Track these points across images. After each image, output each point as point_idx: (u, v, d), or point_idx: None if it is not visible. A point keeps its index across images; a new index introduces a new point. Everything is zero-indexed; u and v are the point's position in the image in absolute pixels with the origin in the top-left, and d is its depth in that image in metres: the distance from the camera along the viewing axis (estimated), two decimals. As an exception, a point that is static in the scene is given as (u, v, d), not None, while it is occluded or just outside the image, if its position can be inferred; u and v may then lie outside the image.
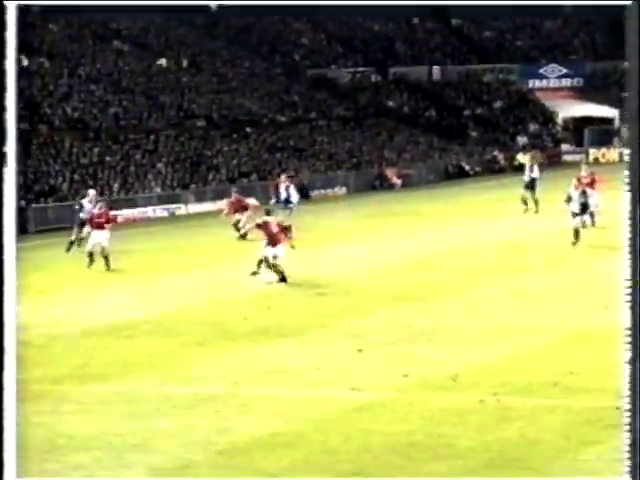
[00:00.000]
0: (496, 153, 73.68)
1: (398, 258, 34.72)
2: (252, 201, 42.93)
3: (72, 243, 37.76)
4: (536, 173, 44.37)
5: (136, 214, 52.08)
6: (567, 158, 74.52)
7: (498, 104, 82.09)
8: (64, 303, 28.16)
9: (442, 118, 79.58)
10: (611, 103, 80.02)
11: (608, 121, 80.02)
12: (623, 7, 7.19)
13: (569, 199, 35.74)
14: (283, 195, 45.34)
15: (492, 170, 71.04)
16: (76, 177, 54.20)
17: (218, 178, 60.10)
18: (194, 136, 64.42)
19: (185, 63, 73.74)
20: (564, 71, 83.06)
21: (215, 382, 19.86)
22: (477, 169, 71.47)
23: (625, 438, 7.09)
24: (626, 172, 37.51)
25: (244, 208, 40.57)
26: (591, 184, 38.96)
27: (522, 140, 77.53)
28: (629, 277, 7.57)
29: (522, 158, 72.85)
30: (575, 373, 19.79)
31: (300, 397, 18.73)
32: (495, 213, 45.67)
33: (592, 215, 36.96)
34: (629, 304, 7.48)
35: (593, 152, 75.59)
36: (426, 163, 70.01)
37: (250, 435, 16.82)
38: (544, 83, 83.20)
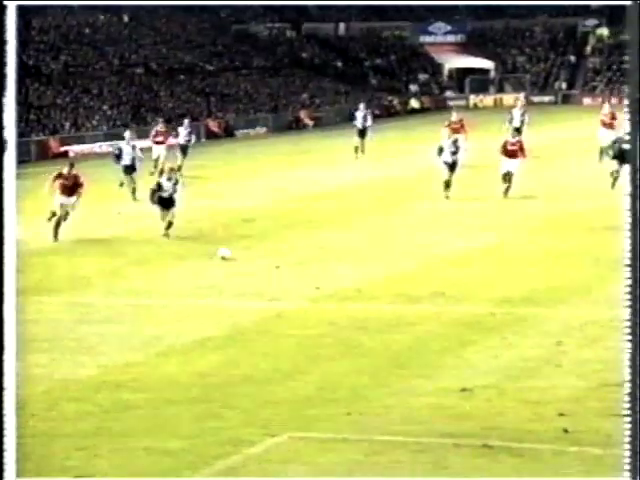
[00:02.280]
0: (392, 98, 73.63)
1: (311, 188, 34.65)
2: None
3: (133, 191, 31.18)
4: (369, 122, 43.32)
5: (85, 149, 51.47)
6: (451, 103, 74.68)
7: (394, 57, 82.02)
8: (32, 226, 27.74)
9: (347, 68, 79.46)
10: (488, 56, 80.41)
11: (485, 72, 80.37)
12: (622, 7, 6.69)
13: (440, 150, 30.43)
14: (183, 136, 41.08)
15: (389, 113, 71.01)
16: (32, 117, 53.34)
17: (156, 119, 59.55)
18: (135, 82, 63.75)
19: (126, 18, 72.68)
20: (449, 28, 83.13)
21: (154, 295, 19.78)
22: (377, 112, 71.42)
23: (625, 438, 6.83)
24: (507, 117, 36.94)
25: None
26: (460, 130, 38.08)
27: (414, 88, 77.61)
28: (629, 278, 6.95)
29: (414, 103, 72.88)
30: (458, 285, 20.02)
31: (227, 307, 18.74)
32: (390, 149, 45.61)
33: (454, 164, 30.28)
34: (629, 303, 6.87)
35: (472, 98, 75.84)
36: (333, 107, 69.82)
37: (185, 339, 16.81)
38: (432, 39, 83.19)
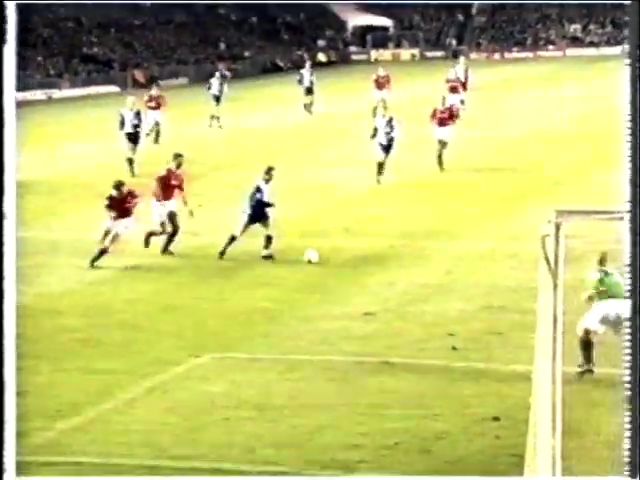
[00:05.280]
0: (302, 52, 73.18)
1: (231, 132, 34.35)
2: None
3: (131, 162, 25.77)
4: (315, 80, 40.64)
5: (19, 97, 50.35)
6: (354, 57, 74.60)
7: (303, 15, 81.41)
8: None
9: (261, 24, 78.63)
10: (387, 15, 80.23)
11: (385, 29, 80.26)
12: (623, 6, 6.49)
13: (375, 132, 24.75)
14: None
15: (299, 66, 70.63)
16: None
17: (87, 69, 58.43)
18: (67, 35, 62.37)
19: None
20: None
21: (87, 230, 19.51)
22: (288, 65, 71.04)
23: (625, 438, 6.74)
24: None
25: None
26: (386, 84, 36.76)
27: (321, 43, 77.22)
28: (629, 278, 6.84)
29: (322, 57, 72.47)
30: (361, 222, 20.11)
31: (152, 240, 18.54)
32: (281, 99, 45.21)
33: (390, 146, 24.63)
34: (630, 308, 6.68)
35: (373, 53, 75.69)
36: (250, 60, 69.18)
37: (115, 269, 16.70)
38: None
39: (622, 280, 11.74)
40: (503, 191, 22.80)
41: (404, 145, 24.74)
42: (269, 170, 18.03)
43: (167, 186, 17.90)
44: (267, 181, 17.86)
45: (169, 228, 17.79)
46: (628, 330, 6.62)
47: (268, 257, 17.21)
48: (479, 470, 9.19)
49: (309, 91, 39.04)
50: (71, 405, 10.95)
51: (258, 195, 17.66)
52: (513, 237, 17.79)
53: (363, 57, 73.60)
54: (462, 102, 35.31)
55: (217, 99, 36.10)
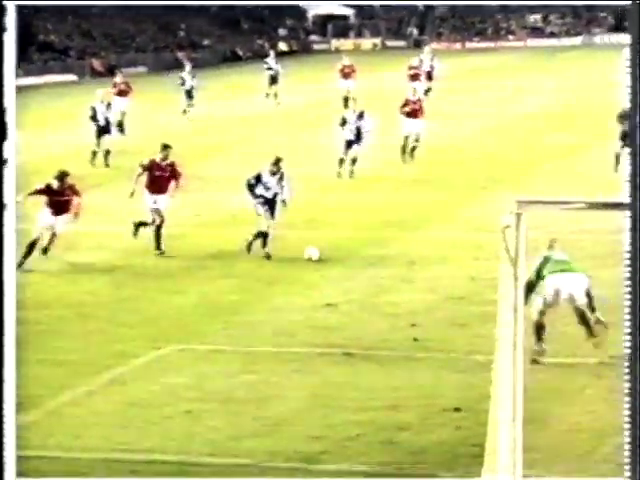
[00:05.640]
0: (262, 42, 72.99)
1: (196, 122, 34.29)
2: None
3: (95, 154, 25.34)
4: (280, 69, 39.23)
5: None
6: (315, 47, 74.57)
7: (263, 3, 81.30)
8: None
9: (221, 12, 78.31)
10: (348, 4, 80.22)
11: (345, 18, 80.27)
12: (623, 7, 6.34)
13: (344, 122, 23.74)
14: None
15: (259, 55, 70.46)
16: None
17: (43, 58, 57.93)
18: (23, 22, 61.83)
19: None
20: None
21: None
22: (248, 54, 70.86)
23: (625, 437, 6.67)
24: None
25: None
26: (351, 74, 36.51)
27: (282, 32, 77.07)
28: (629, 280, 6.67)
29: (283, 46, 72.36)
30: (324, 213, 20.11)
31: (112, 232, 18.47)
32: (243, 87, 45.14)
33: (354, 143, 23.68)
34: (628, 309, 6.59)
35: (334, 42, 75.68)
36: (211, 48, 68.99)
37: (75, 263, 16.64)
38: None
39: (566, 257, 12.11)
40: (466, 182, 22.92)
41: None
42: (277, 162, 16.74)
43: (152, 177, 17.11)
44: (273, 173, 16.65)
45: (157, 220, 17.05)
46: (628, 332, 6.53)
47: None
48: (440, 460, 9.26)
49: (274, 80, 38.73)
50: (29, 398, 10.90)
51: (259, 190, 16.60)
52: (476, 228, 17.89)
53: (324, 46, 73.64)
54: (427, 92, 35.23)
55: (189, 93, 35.42)
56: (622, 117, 21.75)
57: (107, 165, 25.07)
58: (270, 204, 16.77)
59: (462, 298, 14.36)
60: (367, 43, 74.37)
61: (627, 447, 6.47)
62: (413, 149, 25.26)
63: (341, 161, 23.59)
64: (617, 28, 67.92)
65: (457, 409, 10.35)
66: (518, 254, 8.43)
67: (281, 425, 10.19)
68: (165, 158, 17.23)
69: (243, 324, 13.46)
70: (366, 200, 21.30)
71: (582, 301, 11.86)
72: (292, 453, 9.51)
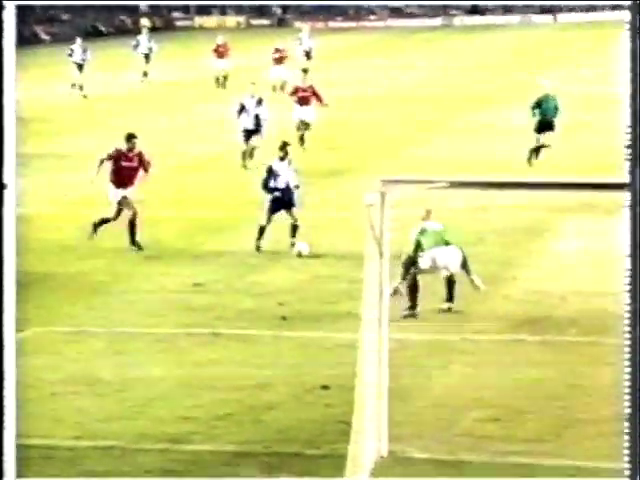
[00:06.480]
0: (124, 17, 71.94)
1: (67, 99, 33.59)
2: None
3: None
4: (154, 47, 39.99)
5: None
6: (178, 24, 73.86)
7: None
8: None
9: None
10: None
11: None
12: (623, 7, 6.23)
13: (242, 109, 22.38)
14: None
15: (122, 31, 69.44)
16: None
17: None
18: None
19: None
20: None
21: None
22: (110, 30, 69.76)
23: (625, 437, 6.55)
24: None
25: None
26: (225, 54, 36.21)
27: (143, 7, 76.06)
28: (629, 281, 6.48)
29: (145, 22, 71.26)
30: (195, 192, 20.03)
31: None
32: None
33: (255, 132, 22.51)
34: (629, 307, 6.45)
35: (197, 19, 75.01)
36: (69, 23, 67.63)
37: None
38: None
39: (441, 228, 12.77)
40: (337, 161, 23.09)
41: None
42: (284, 145, 15.89)
43: (119, 168, 16.06)
44: (282, 158, 15.75)
45: (130, 214, 15.91)
46: (628, 334, 6.49)
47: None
48: (308, 438, 9.42)
49: (147, 58, 38.34)
50: None
51: (272, 183, 15.61)
52: (345, 206, 18.00)
53: (187, 23, 73.00)
54: (305, 71, 35.19)
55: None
56: (537, 105, 21.44)
57: None
58: (284, 194, 15.84)
59: (331, 276, 14.54)
60: (231, 21, 73.98)
61: (627, 447, 6.54)
62: (302, 137, 24.08)
63: (244, 154, 22.10)
64: (474, 11, 69.58)
65: (325, 387, 10.52)
66: (382, 232, 8.62)
67: (149, 406, 10.18)
68: (132, 148, 16.21)
69: (108, 305, 13.34)
70: (240, 178, 21.19)
71: (456, 271, 12.69)
72: (161, 434, 9.51)
